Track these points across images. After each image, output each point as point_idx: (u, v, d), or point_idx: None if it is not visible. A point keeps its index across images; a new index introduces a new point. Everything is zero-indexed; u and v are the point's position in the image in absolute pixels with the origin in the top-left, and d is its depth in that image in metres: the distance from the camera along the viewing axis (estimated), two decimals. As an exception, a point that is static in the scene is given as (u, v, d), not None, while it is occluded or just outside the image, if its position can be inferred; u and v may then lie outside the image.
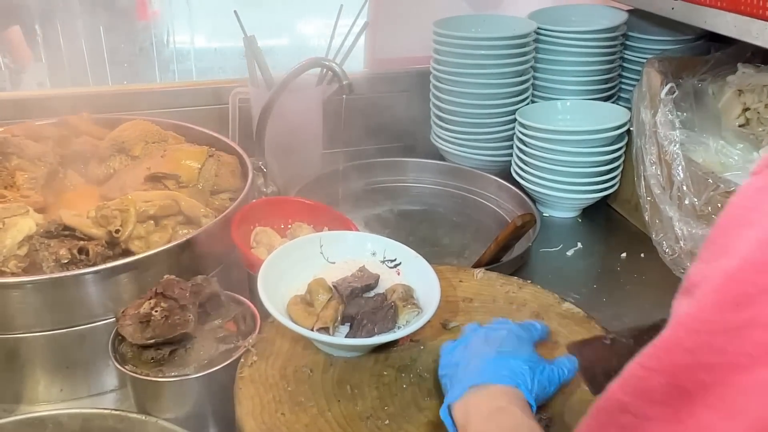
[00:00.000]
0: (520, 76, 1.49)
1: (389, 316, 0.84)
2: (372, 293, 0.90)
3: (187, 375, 0.83)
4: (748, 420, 0.34)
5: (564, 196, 1.40)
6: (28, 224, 0.97)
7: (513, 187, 1.43)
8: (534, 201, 1.41)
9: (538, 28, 1.49)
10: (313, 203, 1.17)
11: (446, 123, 1.56)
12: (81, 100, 1.43)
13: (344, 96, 1.22)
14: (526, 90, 1.52)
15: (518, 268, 1.23)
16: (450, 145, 1.56)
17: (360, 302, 0.87)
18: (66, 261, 0.93)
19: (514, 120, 1.47)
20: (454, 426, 0.68)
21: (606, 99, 1.54)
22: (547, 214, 1.46)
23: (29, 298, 0.88)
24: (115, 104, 1.47)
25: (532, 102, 1.55)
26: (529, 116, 1.42)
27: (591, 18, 1.53)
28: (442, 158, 1.60)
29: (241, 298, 0.95)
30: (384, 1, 1.62)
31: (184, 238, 0.98)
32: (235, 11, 1.37)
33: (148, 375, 0.83)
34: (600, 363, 0.71)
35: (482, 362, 0.71)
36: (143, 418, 0.81)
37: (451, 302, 0.96)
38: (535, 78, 1.54)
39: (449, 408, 0.69)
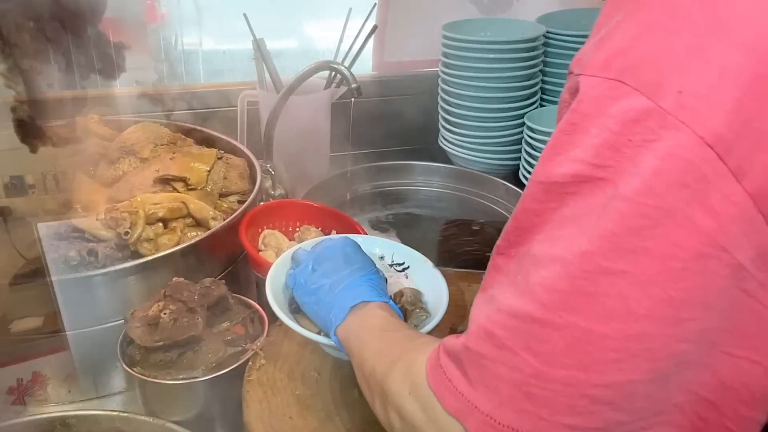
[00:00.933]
0: (529, 80, 1.49)
1: (397, 321, 0.84)
2: (380, 297, 0.90)
3: (195, 378, 0.83)
4: (563, 243, 0.43)
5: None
6: (37, 226, 0.98)
7: (521, 191, 1.42)
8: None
9: (547, 32, 1.48)
10: (321, 206, 1.17)
11: (454, 126, 1.56)
12: (89, 102, 1.44)
13: (352, 99, 1.22)
14: (534, 94, 1.52)
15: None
16: (458, 149, 1.56)
17: (368, 306, 0.87)
18: (75, 263, 0.93)
19: (522, 124, 1.46)
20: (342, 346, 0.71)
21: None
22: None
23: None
24: (123, 106, 1.47)
25: (541, 106, 1.55)
26: (538, 120, 1.42)
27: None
28: (450, 162, 1.60)
29: (249, 300, 0.95)
30: (393, 5, 1.62)
31: (193, 241, 0.98)
32: (244, 14, 1.37)
33: (156, 377, 0.83)
34: None
35: (349, 282, 0.74)
36: (151, 420, 0.81)
37: (459, 307, 0.95)
38: (543, 82, 1.54)
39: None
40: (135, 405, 0.90)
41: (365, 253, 0.82)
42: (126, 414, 0.81)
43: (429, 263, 0.92)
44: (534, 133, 1.40)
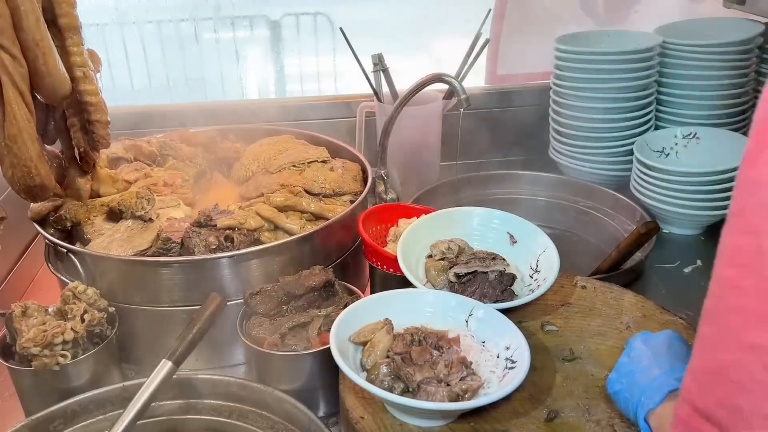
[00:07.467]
0: (643, 90, 1.48)
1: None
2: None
3: (300, 351, 0.93)
4: None
5: (686, 212, 1.36)
6: (178, 214, 1.13)
7: (631, 202, 1.41)
8: (653, 217, 1.38)
9: (664, 42, 1.47)
10: (428, 209, 1.24)
11: (565, 137, 1.58)
12: (224, 111, 1.62)
13: (461, 110, 1.29)
14: (649, 104, 1.51)
15: (631, 281, 1.23)
16: (569, 159, 1.58)
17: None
18: (214, 247, 1.06)
19: (635, 135, 1.46)
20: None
21: (736, 129, 1.48)
22: (666, 231, 1.43)
23: (176, 276, 1.03)
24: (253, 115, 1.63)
25: (656, 117, 1.53)
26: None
27: (723, 31, 1.48)
28: (559, 173, 1.61)
29: (354, 288, 1.04)
30: (506, 20, 1.67)
31: (305, 232, 1.09)
32: (341, 28, 1.47)
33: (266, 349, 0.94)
34: None
35: (670, 368, 0.70)
36: (262, 387, 0.91)
37: (549, 305, 0.99)
38: (660, 93, 1.52)
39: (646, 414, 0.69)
40: (251, 375, 1.02)
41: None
42: (241, 380, 0.93)
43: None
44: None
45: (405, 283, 0.98)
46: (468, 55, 1.53)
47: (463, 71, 1.52)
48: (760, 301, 0.43)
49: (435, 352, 0.84)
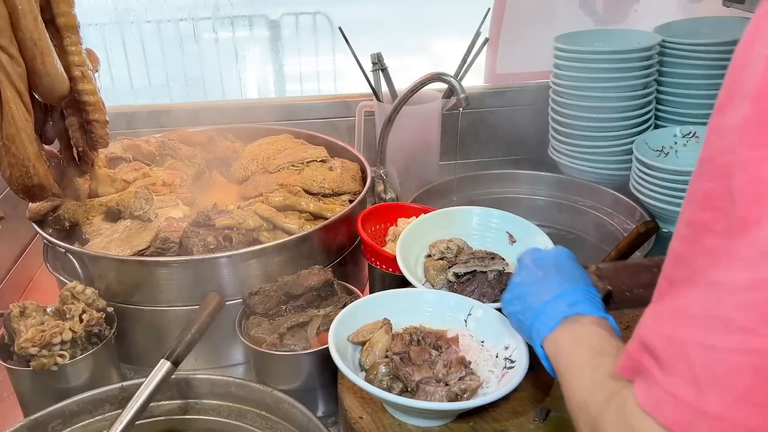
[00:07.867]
0: (643, 89, 1.48)
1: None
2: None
3: (299, 351, 0.93)
4: None
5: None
6: (177, 214, 1.13)
7: (631, 202, 1.41)
8: (653, 216, 1.38)
9: (663, 41, 1.47)
10: (427, 208, 1.24)
11: (564, 137, 1.57)
12: (223, 111, 1.62)
13: (460, 109, 1.28)
14: (648, 103, 1.51)
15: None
16: (567, 158, 1.57)
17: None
18: (213, 247, 1.06)
19: (635, 133, 1.45)
20: (547, 358, 0.69)
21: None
22: (666, 230, 1.42)
23: (175, 276, 1.03)
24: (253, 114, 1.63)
25: (656, 116, 1.53)
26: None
27: (722, 30, 1.48)
28: (558, 172, 1.60)
29: (353, 288, 1.04)
30: (505, 19, 1.67)
31: (304, 232, 1.09)
32: (339, 27, 1.47)
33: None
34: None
35: (561, 292, 0.70)
36: (260, 387, 0.91)
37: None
38: (659, 91, 1.52)
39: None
40: (250, 375, 1.02)
41: (582, 267, 0.77)
42: (240, 380, 0.93)
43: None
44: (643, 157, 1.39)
45: (404, 282, 0.98)
46: (467, 54, 1.53)
47: (463, 70, 1.52)
48: (730, 241, 0.44)
49: (434, 352, 0.84)
